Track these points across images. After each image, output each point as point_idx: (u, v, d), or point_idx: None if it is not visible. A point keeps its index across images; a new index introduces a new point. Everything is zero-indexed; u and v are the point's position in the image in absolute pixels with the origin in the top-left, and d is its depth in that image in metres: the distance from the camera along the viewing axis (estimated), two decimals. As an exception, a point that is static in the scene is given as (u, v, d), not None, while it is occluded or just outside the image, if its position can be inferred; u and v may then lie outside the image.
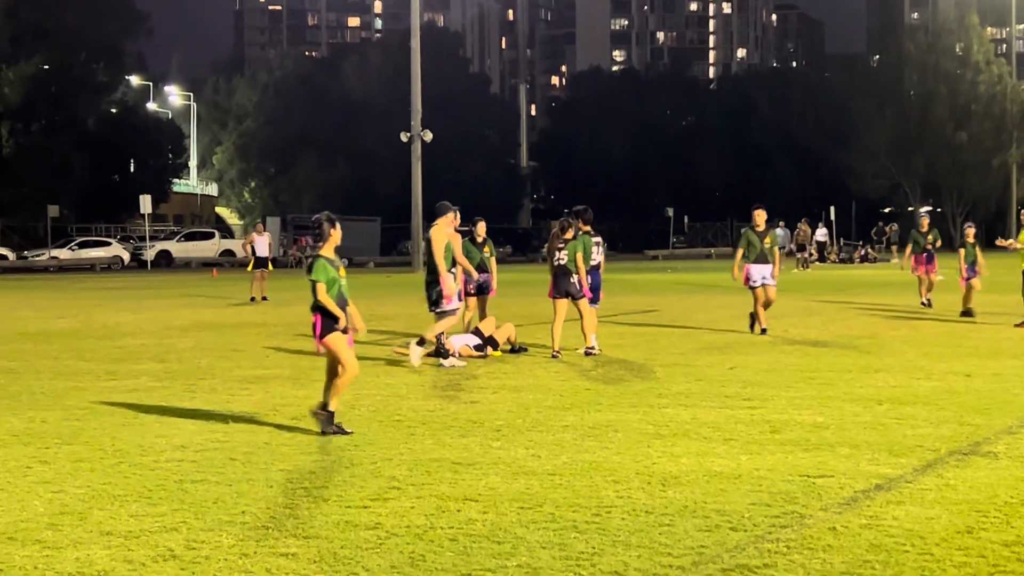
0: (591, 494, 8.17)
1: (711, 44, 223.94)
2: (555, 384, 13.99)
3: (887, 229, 67.21)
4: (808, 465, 9.00)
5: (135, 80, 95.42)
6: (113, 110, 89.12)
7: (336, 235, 10.93)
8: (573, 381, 14.27)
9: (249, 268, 33.29)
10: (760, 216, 20.09)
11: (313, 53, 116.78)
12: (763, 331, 19.81)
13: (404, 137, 59.31)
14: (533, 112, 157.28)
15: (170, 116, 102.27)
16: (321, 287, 10.61)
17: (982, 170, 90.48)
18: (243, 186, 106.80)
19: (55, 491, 8.49)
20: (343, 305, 10.72)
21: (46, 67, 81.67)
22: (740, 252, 20.08)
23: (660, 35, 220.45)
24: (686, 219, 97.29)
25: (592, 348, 17.14)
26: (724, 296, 30.27)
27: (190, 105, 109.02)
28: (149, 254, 70.24)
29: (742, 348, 17.87)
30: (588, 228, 17.43)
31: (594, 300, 17.43)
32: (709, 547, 6.75)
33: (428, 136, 58.01)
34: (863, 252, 63.07)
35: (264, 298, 31.68)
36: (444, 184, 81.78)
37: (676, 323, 22.73)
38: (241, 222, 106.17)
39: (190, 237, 75.18)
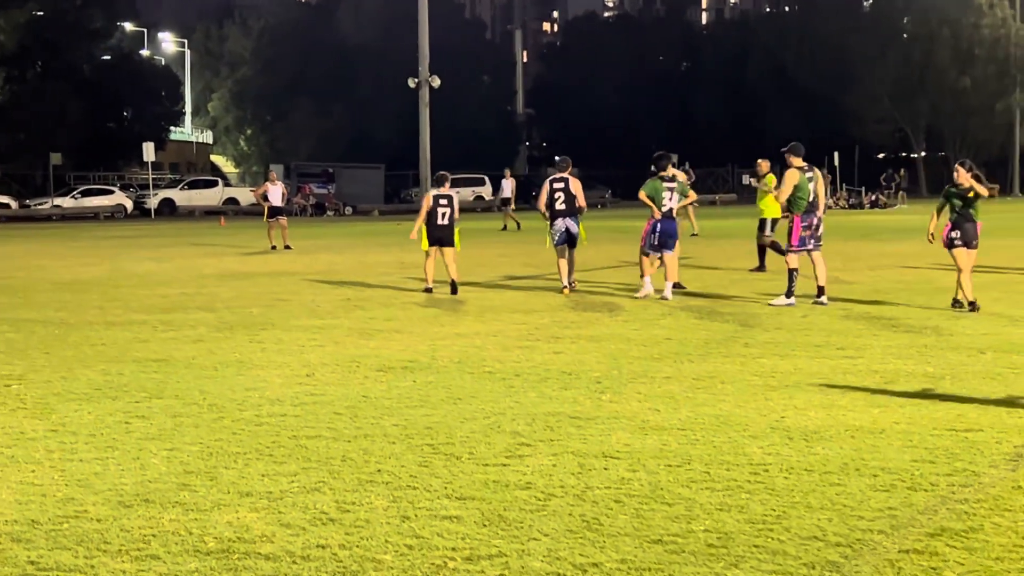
0: (735, 451, 7.80)
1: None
2: (632, 334, 13.59)
3: (896, 175, 66.63)
4: (947, 418, 8.64)
5: (129, 27, 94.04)
6: (108, 57, 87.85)
7: None
8: (648, 331, 13.86)
9: (264, 218, 33.20)
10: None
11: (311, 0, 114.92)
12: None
13: (412, 83, 57.97)
14: (526, 59, 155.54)
15: (164, 63, 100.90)
16: None
17: (985, 115, 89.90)
18: (239, 134, 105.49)
19: (168, 448, 8.09)
20: None
21: (40, 13, 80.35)
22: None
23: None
24: (687, 165, 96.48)
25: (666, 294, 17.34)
26: (748, 244, 29.80)
27: (184, 52, 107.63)
28: (152, 202, 69.44)
29: (800, 295, 17.43)
30: (663, 173, 17.58)
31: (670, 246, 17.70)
32: (898, 509, 6.37)
33: (436, 82, 56.99)
34: (873, 198, 62.66)
35: (287, 247, 31.23)
36: (440, 131, 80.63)
37: (718, 266, 22.37)
38: (237, 170, 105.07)
39: (193, 185, 74.16)
